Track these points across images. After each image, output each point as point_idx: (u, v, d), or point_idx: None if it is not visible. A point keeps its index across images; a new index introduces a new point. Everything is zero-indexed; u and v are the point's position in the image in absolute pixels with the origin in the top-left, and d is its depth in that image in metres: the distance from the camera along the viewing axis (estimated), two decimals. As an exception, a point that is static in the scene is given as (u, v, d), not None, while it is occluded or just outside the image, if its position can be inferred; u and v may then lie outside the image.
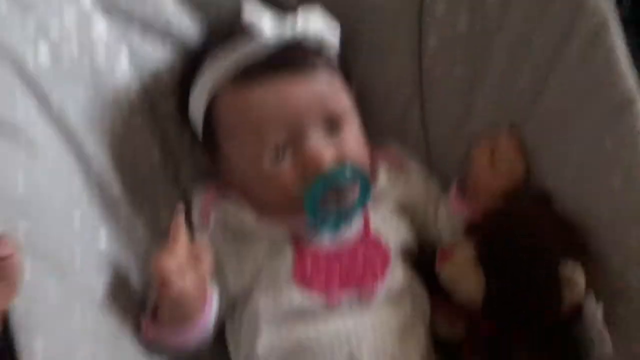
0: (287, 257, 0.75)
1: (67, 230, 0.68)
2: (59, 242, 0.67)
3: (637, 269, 0.66)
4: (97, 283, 0.70)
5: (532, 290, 0.66)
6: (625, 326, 0.67)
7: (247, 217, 0.77)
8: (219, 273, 0.78)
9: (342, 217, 0.74)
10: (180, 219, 0.70)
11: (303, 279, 0.73)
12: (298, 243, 0.75)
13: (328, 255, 0.75)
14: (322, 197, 0.71)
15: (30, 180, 0.65)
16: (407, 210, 0.82)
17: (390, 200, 0.81)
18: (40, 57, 0.70)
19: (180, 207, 0.70)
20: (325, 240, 0.76)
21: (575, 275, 0.65)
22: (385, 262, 0.76)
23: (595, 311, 0.65)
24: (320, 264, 0.74)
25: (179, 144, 0.84)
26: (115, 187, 0.77)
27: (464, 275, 0.71)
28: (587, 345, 0.68)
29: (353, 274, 0.74)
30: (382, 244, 0.77)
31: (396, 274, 0.76)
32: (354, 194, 0.73)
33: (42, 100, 0.70)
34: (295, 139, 0.72)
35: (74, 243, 0.68)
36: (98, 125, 0.76)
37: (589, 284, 0.66)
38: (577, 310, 0.67)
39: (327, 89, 0.73)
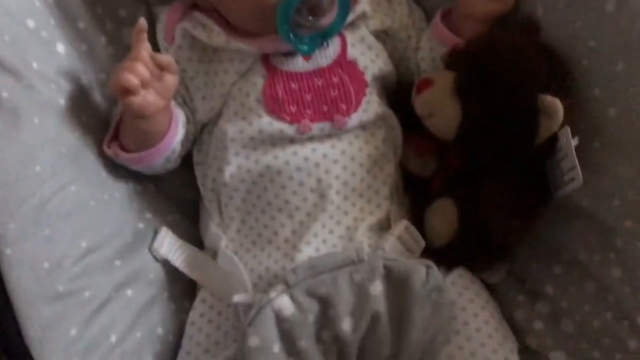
0: (258, 81, 0.71)
1: (20, 39, 0.64)
2: (12, 48, 0.63)
3: (618, 100, 0.64)
4: (57, 96, 0.68)
5: (508, 119, 0.64)
6: (598, 160, 0.66)
7: (215, 35, 0.72)
8: (184, 94, 0.75)
9: (317, 37, 0.70)
10: (142, 32, 0.65)
11: (273, 105, 0.70)
12: (269, 65, 0.71)
13: (301, 80, 0.71)
14: (296, 12, 0.66)
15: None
16: (388, 39, 0.78)
17: (370, 25, 0.76)
18: None
19: (143, 21, 0.65)
20: (299, 63, 0.71)
21: (554, 107, 0.63)
22: (360, 90, 0.72)
23: (570, 143, 0.64)
24: (292, 89, 0.71)
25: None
26: None
27: (441, 104, 0.69)
28: (556, 178, 0.68)
29: (326, 101, 0.71)
30: (359, 70, 0.73)
31: (371, 104, 0.73)
32: (331, 11, 0.68)
33: None
34: None
35: (30, 52, 0.65)
36: None
37: (567, 116, 0.64)
38: (551, 143, 0.66)
39: None
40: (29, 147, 0.61)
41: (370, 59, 0.74)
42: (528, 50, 0.66)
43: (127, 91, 0.63)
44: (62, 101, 0.67)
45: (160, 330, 0.72)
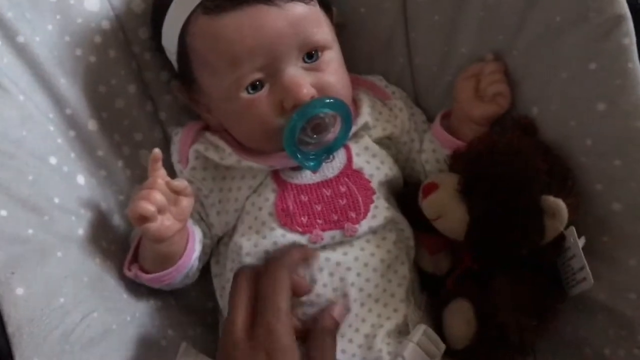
0: (269, 196, 0.74)
1: (42, 176, 0.68)
2: (34, 186, 0.66)
3: (621, 195, 0.65)
4: (78, 227, 0.71)
5: (513, 220, 0.65)
6: (610, 254, 0.67)
7: (227, 155, 0.76)
8: (200, 210, 0.77)
9: (323, 152, 0.73)
10: (157, 161, 0.69)
11: (285, 218, 0.72)
12: (279, 180, 0.74)
13: (310, 192, 0.74)
14: (301, 131, 0.69)
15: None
16: (392, 144, 0.81)
17: (373, 134, 0.79)
18: None
19: (158, 151, 0.69)
20: (307, 176, 0.74)
21: (557, 207, 0.64)
22: (368, 197, 0.74)
23: (577, 244, 0.64)
24: (303, 201, 0.73)
25: (156, 79, 0.81)
26: (91, 125, 0.75)
27: (447, 206, 0.70)
28: (568, 277, 0.68)
29: (336, 210, 0.73)
30: (365, 178, 0.75)
31: (379, 210, 0.74)
32: (335, 127, 0.72)
33: (7, 32, 0.68)
34: (272, 69, 0.69)
35: (51, 189, 0.68)
36: (69, 61, 0.74)
37: (572, 216, 0.65)
38: (559, 242, 0.67)
39: (305, 18, 0.70)
40: (53, 281, 0.64)
41: (376, 167, 0.77)
42: (527, 151, 0.67)
43: (144, 219, 0.66)
44: (81, 231, 0.70)
45: None
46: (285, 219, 0.72)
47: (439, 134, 0.78)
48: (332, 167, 0.75)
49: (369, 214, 0.74)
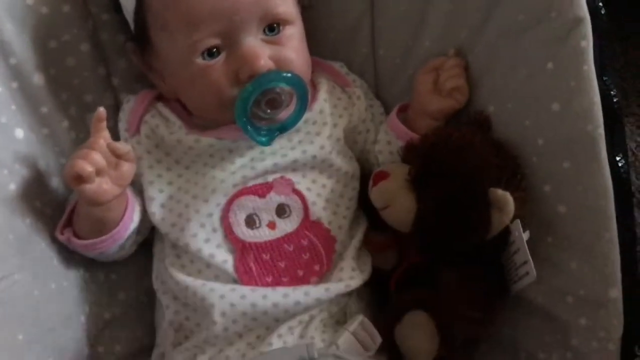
0: (226, 256, 0.69)
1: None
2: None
3: (567, 197, 0.65)
4: (10, 181, 0.67)
5: (461, 211, 0.64)
6: (551, 256, 0.66)
7: (176, 128, 0.73)
8: (141, 189, 0.74)
9: (275, 130, 0.71)
10: (101, 120, 0.66)
11: (249, 280, 0.68)
12: (235, 239, 0.70)
13: (272, 249, 0.70)
14: (255, 104, 0.67)
15: None
16: (348, 136, 0.79)
17: (329, 127, 0.76)
18: None
19: (102, 110, 0.66)
20: (265, 233, 0.70)
21: (505, 200, 0.63)
22: (330, 247, 0.71)
23: (522, 237, 0.64)
24: (265, 260, 0.70)
25: (112, 42, 0.78)
26: (37, 79, 0.72)
27: (396, 195, 0.69)
28: (511, 272, 0.68)
29: (300, 266, 0.70)
30: (324, 228, 0.72)
31: (343, 260, 0.72)
32: (290, 105, 0.70)
33: None
34: (230, 36, 0.67)
35: None
36: (20, 9, 0.70)
37: (518, 210, 0.64)
38: (504, 236, 0.66)
39: None
40: None
41: (333, 205, 0.73)
42: (479, 145, 0.67)
43: (81, 179, 0.63)
44: (13, 187, 0.66)
45: None
46: (250, 281, 0.69)
47: (394, 126, 0.77)
48: (291, 220, 0.71)
49: (332, 266, 0.71)
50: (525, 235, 0.64)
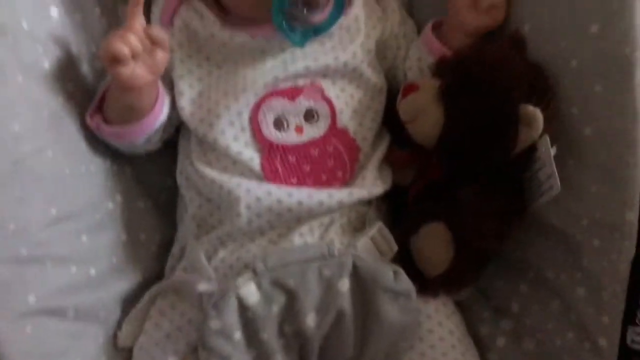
0: (252, 154, 0.70)
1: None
2: (3, 2, 0.62)
3: (595, 120, 0.65)
4: (44, 59, 0.67)
5: (490, 125, 0.65)
6: (571, 178, 0.67)
7: (210, 23, 0.73)
8: (171, 85, 0.74)
9: (310, 32, 0.71)
10: (138, 4, 0.66)
11: (275, 180, 0.70)
12: (263, 139, 0.71)
13: (298, 152, 0.71)
14: (292, 3, 0.66)
15: None
16: (379, 50, 0.79)
17: (362, 35, 0.76)
18: None
19: None
20: (292, 136, 0.71)
21: (535, 116, 0.64)
22: (354, 156, 0.73)
23: (549, 152, 0.65)
24: (291, 162, 0.71)
25: None
26: None
27: (424, 108, 0.70)
28: (533, 189, 0.69)
29: (325, 171, 0.71)
30: (350, 136, 0.73)
31: (365, 170, 0.73)
32: (326, 8, 0.69)
33: None
34: None
35: (19, 8, 0.64)
36: None
37: (546, 127, 0.65)
38: (529, 154, 0.67)
39: None
40: (10, 104, 0.60)
41: (359, 117, 0.75)
42: (513, 61, 0.67)
43: (116, 60, 0.63)
44: (47, 65, 0.67)
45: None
46: (275, 179, 0.70)
47: (428, 41, 0.77)
48: (318, 126, 0.72)
49: (355, 174, 0.73)
50: (552, 151, 0.65)
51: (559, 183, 0.64)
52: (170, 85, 0.75)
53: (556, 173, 0.64)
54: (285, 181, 0.70)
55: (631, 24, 0.62)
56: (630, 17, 0.62)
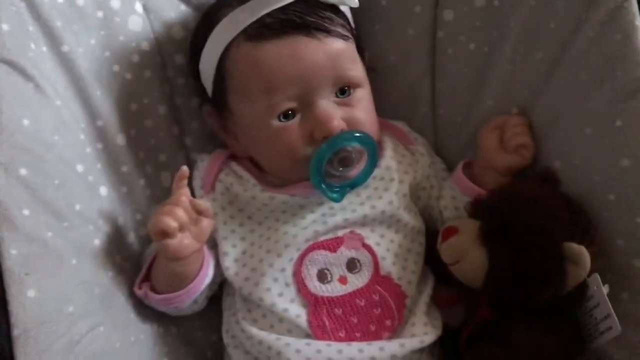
0: (299, 311, 0.70)
1: (68, 182, 0.68)
2: (59, 191, 0.66)
3: (643, 253, 0.65)
4: (94, 237, 0.70)
5: (534, 266, 0.65)
6: (628, 312, 0.66)
7: (250, 186, 0.76)
8: (213, 244, 0.76)
9: (346, 186, 0.73)
10: (184, 178, 0.69)
11: (323, 335, 0.69)
12: (308, 293, 0.71)
13: (344, 304, 0.71)
14: (328, 163, 0.70)
15: (35, 123, 0.65)
16: (413, 191, 0.80)
17: (396, 183, 0.77)
18: None
19: (185, 168, 0.70)
20: (337, 288, 0.71)
21: (580, 254, 0.64)
22: (400, 302, 0.72)
23: (602, 291, 0.64)
24: (337, 314, 0.70)
25: (187, 105, 0.83)
26: (120, 139, 0.76)
27: (467, 251, 0.70)
28: (590, 327, 0.67)
29: (372, 321, 0.70)
30: (395, 283, 0.73)
31: (413, 314, 0.72)
32: (360, 162, 0.73)
33: (54, 41, 0.70)
34: (305, 99, 0.71)
35: (75, 195, 0.69)
36: (107, 75, 0.75)
37: (594, 264, 0.64)
38: (581, 291, 0.66)
39: (342, 54, 0.72)
40: (65, 288, 0.62)
41: (402, 258, 0.75)
42: (548, 198, 0.68)
43: (165, 234, 0.66)
44: (97, 242, 0.69)
45: None
46: (323, 336, 0.70)
47: (460, 181, 0.79)
48: (362, 275, 0.73)
49: (404, 321, 0.72)
50: (605, 289, 0.64)
51: (618, 323, 0.62)
52: (212, 243, 0.76)
53: (613, 313, 0.63)
54: (334, 335, 0.70)
55: (662, 156, 0.64)
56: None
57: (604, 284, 0.64)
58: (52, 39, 0.70)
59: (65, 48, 0.70)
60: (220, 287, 0.80)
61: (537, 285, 0.66)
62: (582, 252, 0.64)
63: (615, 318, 0.62)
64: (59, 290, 0.62)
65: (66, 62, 0.71)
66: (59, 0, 0.70)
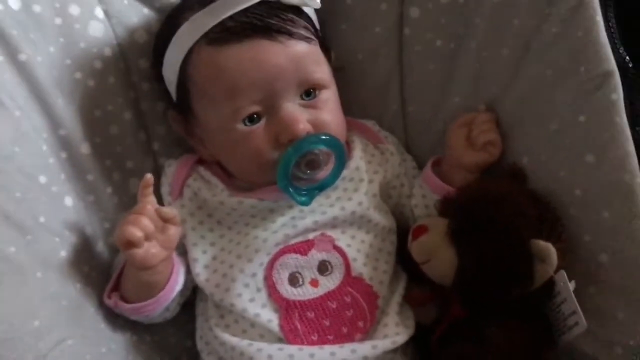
0: (271, 316, 0.70)
1: (31, 194, 0.67)
2: (20, 204, 0.65)
3: (609, 246, 0.65)
4: (61, 249, 0.69)
5: (503, 263, 0.65)
6: (596, 306, 0.66)
7: (219, 191, 0.75)
8: (183, 251, 0.76)
9: (314, 189, 0.73)
10: (148, 187, 0.68)
11: (295, 339, 0.69)
12: (279, 298, 0.70)
13: (316, 307, 0.71)
14: (295, 166, 0.69)
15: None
16: (383, 191, 0.80)
17: (365, 183, 0.77)
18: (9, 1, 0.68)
19: (150, 176, 0.69)
20: (308, 291, 0.71)
21: (547, 250, 0.64)
22: (372, 303, 0.72)
23: (568, 287, 0.64)
24: (310, 318, 0.70)
25: (152, 110, 0.82)
26: (84, 148, 0.75)
27: (437, 249, 0.70)
28: (559, 323, 0.67)
29: (345, 323, 0.70)
30: (366, 283, 0.73)
31: (386, 315, 0.72)
32: (328, 165, 0.72)
33: (10, 50, 0.68)
34: (270, 103, 0.70)
35: (38, 207, 0.68)
36: (68, 83, 0.74)
37: (562, 260, 0.65)
38: (549, 287, 0.66)
39: (305, 56, 0.71)
40: (31, 302, 0.62)
41: (373, 257, 0.75)
42: (516, 195, 0.68)
43: (131, 244, 0.65)
44: (64, 254, 0.69)
45: None
46: (295, 340, 0.69)
47: (429, 179, 0.79)
48: (333, 277, 0.72)
49: (376, 322, 0.72)
50: (572, 285, 0.64)
51: (584, 320, 0.63)
52: (182, 250, 0.76)
53: (579, 309, 0.63)
54: (306, 339, 0.69)
55: (626, 151, 0.64)
56: (624, 145, 0.64)
57: (570, 280, 0.64)
58: (9, 48, 0.68)
59: (22, 57, 0.69)
60: (194, 292, 0.79)
61: (505, 282, 0.66)
62: (549, 249, 0.64)
63: (581, 314, 0.63)
64: (24, 305, 0.61)
65: (24, 72, 0.69)
66: (14, 8, 0.69)
